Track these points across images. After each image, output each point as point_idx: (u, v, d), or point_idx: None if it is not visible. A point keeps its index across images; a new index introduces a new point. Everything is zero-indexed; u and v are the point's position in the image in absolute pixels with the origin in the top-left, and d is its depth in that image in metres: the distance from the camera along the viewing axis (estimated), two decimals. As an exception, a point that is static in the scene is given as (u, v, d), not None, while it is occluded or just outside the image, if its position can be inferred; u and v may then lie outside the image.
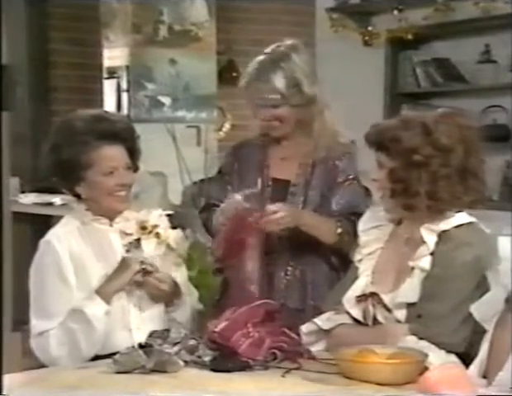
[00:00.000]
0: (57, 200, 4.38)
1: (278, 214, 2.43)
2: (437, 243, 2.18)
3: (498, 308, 1.92)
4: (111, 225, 2.36)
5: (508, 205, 4.12)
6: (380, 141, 2.21)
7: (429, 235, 2.19)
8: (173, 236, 2.40)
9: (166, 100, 5.48)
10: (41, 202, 4.67)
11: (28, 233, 4.62)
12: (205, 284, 2.87)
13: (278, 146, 2.66)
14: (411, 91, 5.34)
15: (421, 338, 2.08)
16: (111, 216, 2.36)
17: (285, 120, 2.57)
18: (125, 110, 5.52)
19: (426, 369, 1.91)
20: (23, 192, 4.83)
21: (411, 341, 2.08)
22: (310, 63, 2.62)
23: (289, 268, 2.58)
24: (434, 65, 5.17)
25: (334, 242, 2.55)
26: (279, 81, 2.52)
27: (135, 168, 2.41)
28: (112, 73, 5.53)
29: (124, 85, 5.49)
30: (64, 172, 2.33)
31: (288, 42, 2.61)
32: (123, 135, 2.34)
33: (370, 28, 5.44)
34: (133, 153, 2.39)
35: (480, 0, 4.76)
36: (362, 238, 2.33)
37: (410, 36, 5.11)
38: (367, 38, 5.44)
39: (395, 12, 5.18)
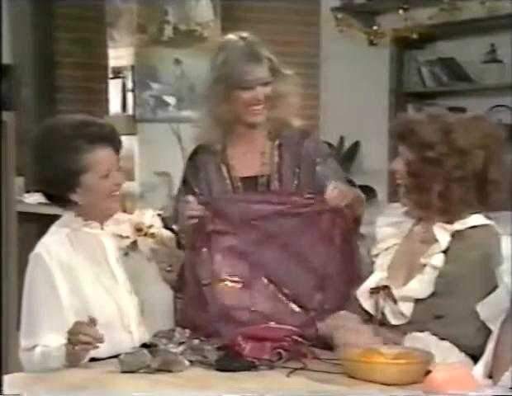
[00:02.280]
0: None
1: (341, 190, 2.43)
2: (451, 243, 2.18)
3: (503, 308, 1.92)
4: (102, 229, 2.36)
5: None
6: (401, 132, 2.25)
7: (441, 234, 2.20)
8: (167, 235, 2.41)
9: (171, 100, 5.48)
10: (46, 202, 4.66)
11: (33, 233, 4.62)
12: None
13: (239, 143, 2.64)
14: (416, 90, 5.33)
15: (442, 339, 2.08)
16: (102, 219, 2.35)
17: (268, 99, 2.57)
18: (130, 110, 5.53)
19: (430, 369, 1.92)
20: (28, 192, 4.83)
21: (432, 341, 2.08)
22: None
23: None
24: (440, 65, 5.16)
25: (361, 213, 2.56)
26: (267, 54, 2.57)
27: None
28: (117, 73, 5.53)
29: (129, 85, 5.49)
30: (58, 181, 2.30)
31: (241, 32, 2.64)
32: (111, 137, 2.34)
33: (375, 27, 5.43)
34: (119, 152, 2.39)
35: (485, -1, 4.76)
36: (380, 233, 2.34)
37: (415, 36, 5.10)
38: (372, 37, 5.43)
39: (401, 12, 5.16)
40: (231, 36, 2.63)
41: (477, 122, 2.25)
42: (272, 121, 2.62)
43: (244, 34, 2.62)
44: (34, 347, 2.22)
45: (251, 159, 2.63)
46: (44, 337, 2.21)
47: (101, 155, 2.30)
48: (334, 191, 2.43)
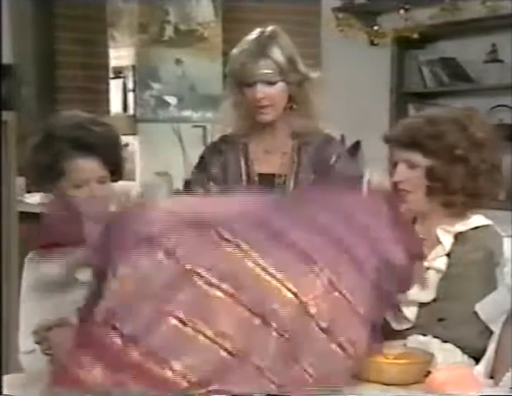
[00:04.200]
0: (63, 199, 4.38)
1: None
2: (453, 244, 2.17)
3: (504, 309, 1.92)
4: None
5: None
6: (414, 140, 2.19)
7: (444, 236, 2.19)
8: None
9: (172, 100, 5.49)
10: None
11: (34, 233, 4.63)
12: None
13: (261, 139, 2.62)
14: (417, 90, 5.33)
15: (444, 341, 2.07)
16: None
17: (278, 100, 2.53)
18: (131, 110, 5.53)
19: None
20: (29, 192, 4.84)
21: (435, 343, 2.07)
22: (293, 45, 2.61)
23: None
24: (441, 65, 5.16)
25: None
26: (277, 54, 2.50)
27: (116, 179, 2.35)
28: (118, 73, 5.54)
29: (130, 85, 5.51)
30: (38, 174, 2.28)
31: (270, 27, 2.59)
32: (100, 148, 2.26)
33: (376, 27, 5.43)
34: (114, 164, 2.32)
35: (486, -1, 4.76)
36: None
37: (416, 36, 5.10)
38: (373, 37, 5.43)
39: (402, 12, 5.17)
40: (257, 30, 2.58)
41: (474, 114, 2.26)
42: (294, 122, 2.60)
43: (269, 28, 2.56)
44: (33, 350, 2.21)
45: (271, 157, 2.61)
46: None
47: (79, 165, 2.23)
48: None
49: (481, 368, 1.92)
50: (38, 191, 4.72)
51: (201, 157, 2.69)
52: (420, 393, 1.81)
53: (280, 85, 2.52)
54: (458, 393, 1.70)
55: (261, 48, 2.50)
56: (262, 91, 2.50)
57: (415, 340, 2.09)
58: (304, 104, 2.58)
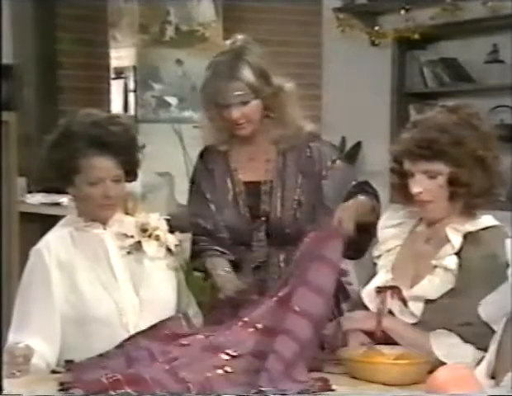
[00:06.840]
0: (64, 199, 4.37)
1: (345, 223, 2.31)
2: (462, 244, 2.17)
3: (506, 309, 1.92)
4: (104, 229, 2.34)
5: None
6: (432, 150, 2.16)
7: (454, 235, 2.18)
8: (172, 240, 2.40)
9: (173, 100, 5.49)
10: (48, 202, 4.67)
11: (35, 233, 4.63)
12: (195, 287, 2.77)
13: (243, 147, 2.61)
14: (418, 91, 5.33)
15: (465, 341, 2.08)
16: (102, 220, 2.34)
17: (254, 116, 2.53)
18: (131, 111, 5.53)
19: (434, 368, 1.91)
20: (30, 192, 4.84)
21: (442, 334, 2.08)
22: (263, 55, 2.59)
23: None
24: (442, 65, 5.16)
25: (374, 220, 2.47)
26: (247, 74, 2.49)
27: (131, 179, 2.37)
28: (119, 74, 5.54)
29: (131, 85, 5.50)
30: (55, 171, 2.30)
31: (241, 36, 2.58)
32: (116, 147, 2.28)
33: (377, 28, 5.43)
34: (130, 164, 2.34)
35: (487, -1, 4.76)
36: (382, 234, 2.33)
37: (417, 36, 5.11)
38: (374, 38, 5.43)
39: (403, 12, 5.17)
40: (227, 42, 2.58)
41: (475, 110, 2.26)
42: (272, 130, 2.58)
43: (239, 42, 2.55)
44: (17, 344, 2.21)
45: (255, 164, 2.60)
46: (29, 338, 2.20)
47: (95, 163, 2.26)
48: (341, 222, 2.31)
49: (482, 368, 1.92)
50: (39, 191, 4.75)
51: (196, 180, 2.67)
52: (421, 394, 1.81)
53: (254, 102, 2.51)
54: (459, 394, 1.70)
55: (231, 70, 2.49)
56: (236, 111, 2.50)
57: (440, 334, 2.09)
58: (280, 113, 2.57)
